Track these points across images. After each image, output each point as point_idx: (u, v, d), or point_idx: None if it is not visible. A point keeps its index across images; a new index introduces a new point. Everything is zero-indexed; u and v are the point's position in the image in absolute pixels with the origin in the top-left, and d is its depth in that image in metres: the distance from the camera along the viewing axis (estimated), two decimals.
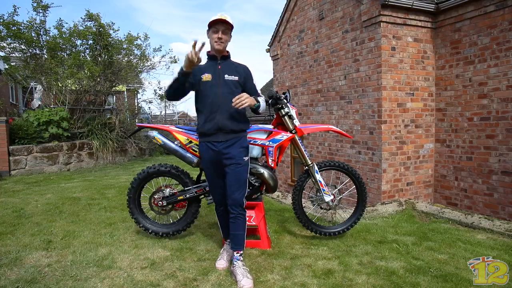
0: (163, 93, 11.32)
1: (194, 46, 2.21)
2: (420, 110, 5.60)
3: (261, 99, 2.54)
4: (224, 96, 2.43)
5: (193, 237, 3.17)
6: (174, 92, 2.48)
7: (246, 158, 2.52)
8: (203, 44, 2.23)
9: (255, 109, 2.48)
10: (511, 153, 4.69)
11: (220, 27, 2.42)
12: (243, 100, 2.31)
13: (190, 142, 2.85)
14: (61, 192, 5.21)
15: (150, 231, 3.06)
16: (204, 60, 2.48)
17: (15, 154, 7.05)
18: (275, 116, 2.99)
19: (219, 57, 2.52)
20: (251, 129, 2.77)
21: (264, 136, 2.87)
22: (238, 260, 2.46)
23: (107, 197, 4.82)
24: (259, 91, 2.67)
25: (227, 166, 2.46)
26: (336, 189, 3.19)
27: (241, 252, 2.51)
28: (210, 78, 2.45)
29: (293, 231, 3.43)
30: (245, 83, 2.57)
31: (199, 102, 2.52)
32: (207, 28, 2.49)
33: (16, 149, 7.07)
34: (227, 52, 2.56)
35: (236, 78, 2.50)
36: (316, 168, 3.03)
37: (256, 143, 2.81)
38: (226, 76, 2.48)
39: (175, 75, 2.39)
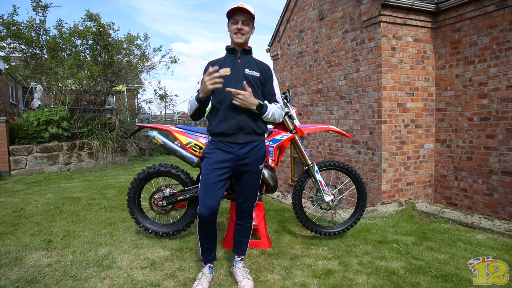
0: (163, 93, 11.32)
1: (210, 73, 2.03)
2: (420, 110, 5.60)
3: (273, 106, 2.30)
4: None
5: (193, 237, 3.17)
6: (198, 114, 2.28)
7: (261, 167, 2.35)
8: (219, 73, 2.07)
9: (259, 114, 2.23)
10: (511, 153, 4.69)
11: (240, 18, 2.20)
12: (242, 96, 2.10)
13: (190, 142, 2.85)
14: (61, 192, 5.21)
15: (150, 231, 3.06)
16: (221, 54, 2.34)
17: (15, 154, 7.05)
18: None
19: (239, 51, 2.29)
20: None
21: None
22: (239, 262, 2.45)
23: (107, 197, 4.82)
24: (277, 97, 2.40)
25: (242, 173, 2.29)
26: (336, 189, 3.19)
27: (243, 257, 2.50)
28: (229, 72, 2.21)
29: (293, 231, 3.43)
30: (265, 83, 2.34)
31: (216, 98, 2.23)
32: (227, 20, 2.28)
33: (16, 149, 7.07)
34: (249, 46, 2.33)
35: (258, 74, 2.27)
36: (316, 168, 3.04)
37: None
38: (246, 70, 2.25)
39: (193, 101, 2.21)
